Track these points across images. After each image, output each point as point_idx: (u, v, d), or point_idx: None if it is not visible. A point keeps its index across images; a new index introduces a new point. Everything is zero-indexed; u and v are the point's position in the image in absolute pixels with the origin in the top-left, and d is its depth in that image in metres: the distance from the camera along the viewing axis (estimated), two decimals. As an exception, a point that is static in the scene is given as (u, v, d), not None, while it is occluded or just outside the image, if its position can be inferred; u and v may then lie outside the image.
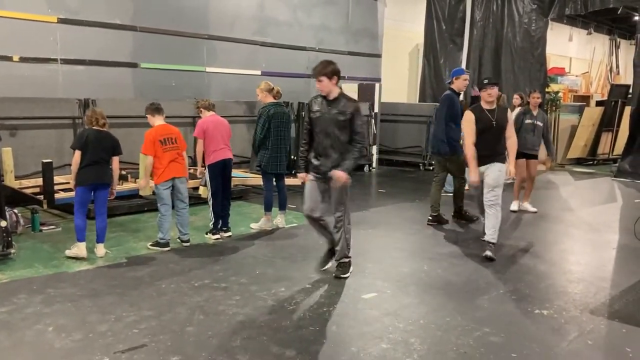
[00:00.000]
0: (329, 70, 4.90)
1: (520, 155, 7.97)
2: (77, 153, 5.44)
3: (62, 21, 8.57)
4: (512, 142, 6.05)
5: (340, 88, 5.09)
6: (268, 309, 4.39)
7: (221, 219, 6.56)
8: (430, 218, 7.42)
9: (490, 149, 5.95)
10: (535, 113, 8.26)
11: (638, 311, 4.49)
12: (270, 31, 11.42)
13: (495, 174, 5.88)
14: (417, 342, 3.87)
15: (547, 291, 4.97)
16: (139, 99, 9.15)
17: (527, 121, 8.15)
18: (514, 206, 8.37)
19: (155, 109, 6.07)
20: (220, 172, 6.44)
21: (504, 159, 6.01)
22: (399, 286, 5.02)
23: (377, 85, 12.59)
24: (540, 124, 8.24)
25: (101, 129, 5.58)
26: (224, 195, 6.56)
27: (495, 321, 4.25)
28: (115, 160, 5.69)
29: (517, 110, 9.75)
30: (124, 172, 7.82)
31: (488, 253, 5.87)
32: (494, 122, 5.93)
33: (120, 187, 7.60)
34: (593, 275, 5.49)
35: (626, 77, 20.80)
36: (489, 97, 5.96)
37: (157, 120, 6.05)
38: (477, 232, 7.04)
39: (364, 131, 5.11)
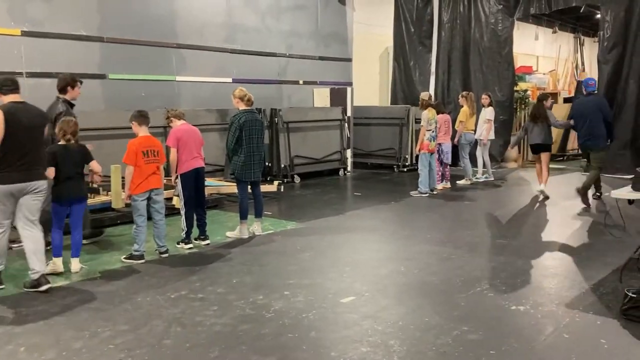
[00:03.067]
0: None
1: None
2: (50, 169, 5.37)
3: (25, 34, 8.39)
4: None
5: None
6: (246, 318, 4.35)
7: (199, 228, 6.52)
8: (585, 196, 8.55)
9: None
10: None
11: (612, 303, 4.57)
12: (239, 38, 11.38)
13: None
14: (396, 343, 3.88)
15: (523, 287, 5.04)
16: (109, 111, 9.01)
17: None
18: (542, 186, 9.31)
19: (142, 118, 6.02)
20: (193, 180, 6.40)
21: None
22: (377, 288, 5.03)
23: (349, 89, 12.62)
24: None
25: (68, 143, 5.49)
26: (199, 204, 6.52)
27: (473, 319, 4.28)
28: (93, 164, 5.66)
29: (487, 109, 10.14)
30: (95, 185, 7.68)
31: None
32: None
33: (92, 201, 7.47)
34: (567, 269, 5.58)
35: (591, 73, 21.20)
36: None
37: (142, 131, 6.01)
38: (453, 232, 7.10)
39: None
